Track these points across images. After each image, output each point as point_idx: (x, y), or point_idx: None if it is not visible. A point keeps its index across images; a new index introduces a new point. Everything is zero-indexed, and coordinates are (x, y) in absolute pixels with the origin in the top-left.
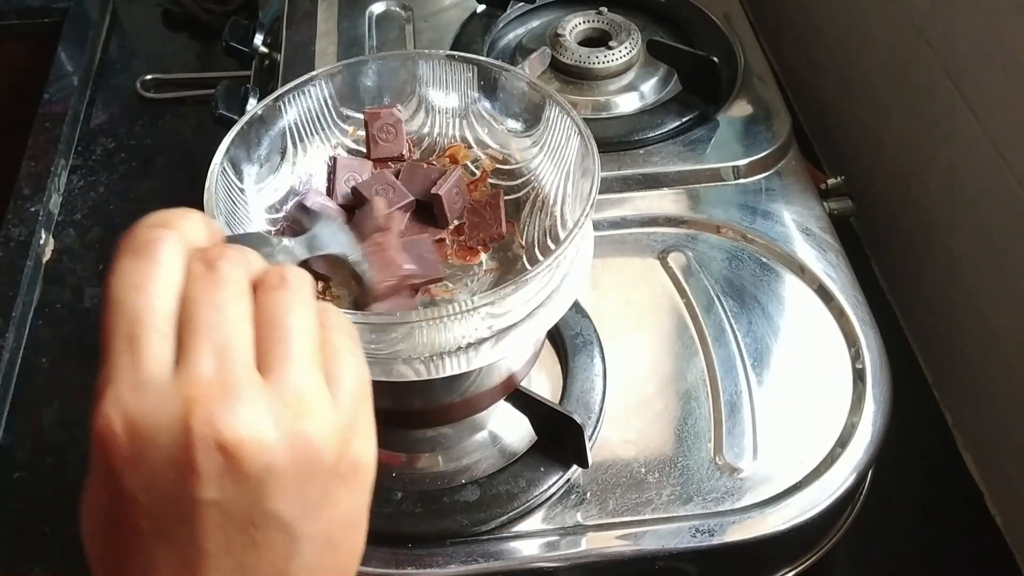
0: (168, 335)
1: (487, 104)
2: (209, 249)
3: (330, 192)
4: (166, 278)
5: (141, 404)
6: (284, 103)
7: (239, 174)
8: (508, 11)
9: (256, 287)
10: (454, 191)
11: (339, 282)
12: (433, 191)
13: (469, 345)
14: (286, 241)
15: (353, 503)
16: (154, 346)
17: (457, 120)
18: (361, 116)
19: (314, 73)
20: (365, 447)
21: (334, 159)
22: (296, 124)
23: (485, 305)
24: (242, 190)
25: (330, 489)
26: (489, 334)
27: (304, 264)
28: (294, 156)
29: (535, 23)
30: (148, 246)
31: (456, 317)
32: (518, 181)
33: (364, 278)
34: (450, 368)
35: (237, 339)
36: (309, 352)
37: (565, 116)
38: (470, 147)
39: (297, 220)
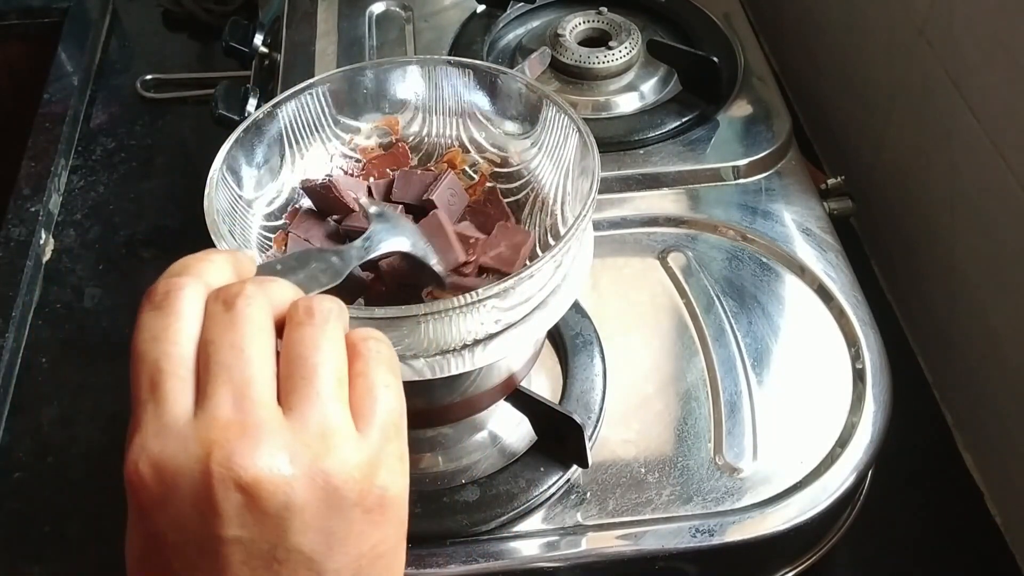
0: (187, 380)
1: (484, 107)
2: (227, 287)
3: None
4: (182, 325)
5: (164, 448)
6: (282, 110)
7: (238, 181)
8: (508, 11)
9: (283, 323)
10: (448, 193)
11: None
12: (426, 196)
13: (473, 343)
14: (337, 253)
15: (382, 536)
16: (174, 392)
17: (454, 124)
18: (360, 123)
19: (311, 80)
20: (393, 480)
21: (328, 177)
22: (294, 131)
23: (492, 297)
24: (241, 197)
25: (355, 524)
26: (497, 328)
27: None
28: (293, 162)
29: (535, 23)
30: (165, 298)
31: (463, 311)
32: (517, 183)
33: (431, 267)
34: (453, 367)
35: (256, 378)
36: (331, 389)
37: (563, 115)
38: (467, 151)
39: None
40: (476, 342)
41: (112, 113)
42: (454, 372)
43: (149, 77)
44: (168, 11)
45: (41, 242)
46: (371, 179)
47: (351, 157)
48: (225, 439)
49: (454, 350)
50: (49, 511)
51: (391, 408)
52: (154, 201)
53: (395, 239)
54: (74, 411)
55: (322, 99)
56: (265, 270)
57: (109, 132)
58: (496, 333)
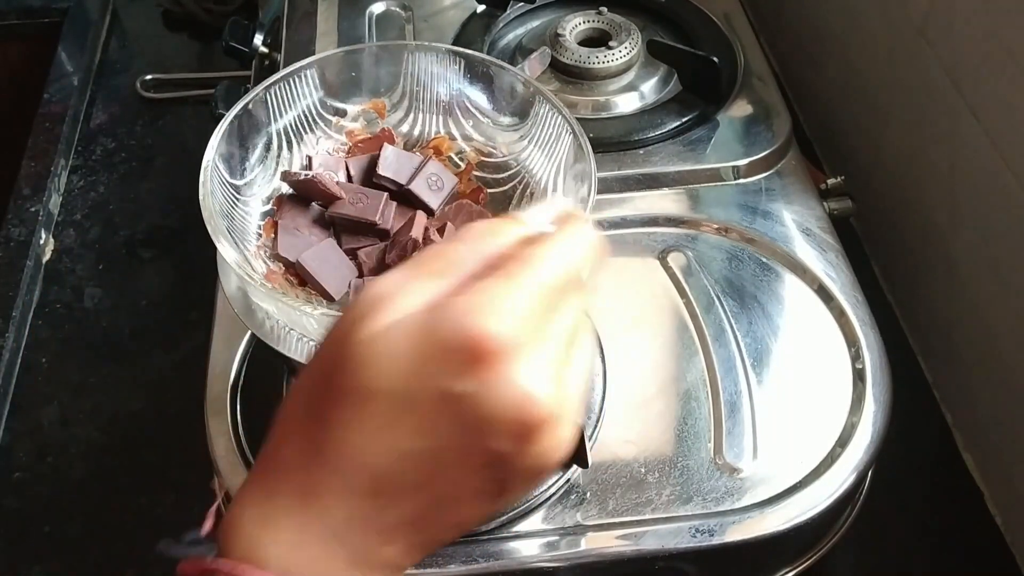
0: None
1: (473, 97)
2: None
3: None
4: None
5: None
6: (271, 95)
7: (231, 169)
8: (508, 11)
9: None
10: (426, 184)
11: None
12: (405, 187)
13: None
14: None
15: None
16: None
17: (442, 112)
18: (347, 106)
19: (300, 64)
20: (562, 438)
21: (309, 158)
22: (284, 117)
23: None
24: (234, 184)
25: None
26: None
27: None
28: (283, 148)
29: (535, 23)
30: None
31: None
32: (505, 174)
33: None
34: None
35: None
36: (564, 345)
37: (556, 114)
38: (454, 139)
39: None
40: None
41: (112, 113)
42: None
43: (149, 77)
44: (168, 11)
45: (41, 242)
46: (348, 159)
47: (336, 139)
48: (522, 349)
49: None
50: (49, 511)
51: (584, 379)
52: (154, 201)
53: None
54: (74, 411)
55: (311, 83)
56: None
57: (109, 132)
58: None
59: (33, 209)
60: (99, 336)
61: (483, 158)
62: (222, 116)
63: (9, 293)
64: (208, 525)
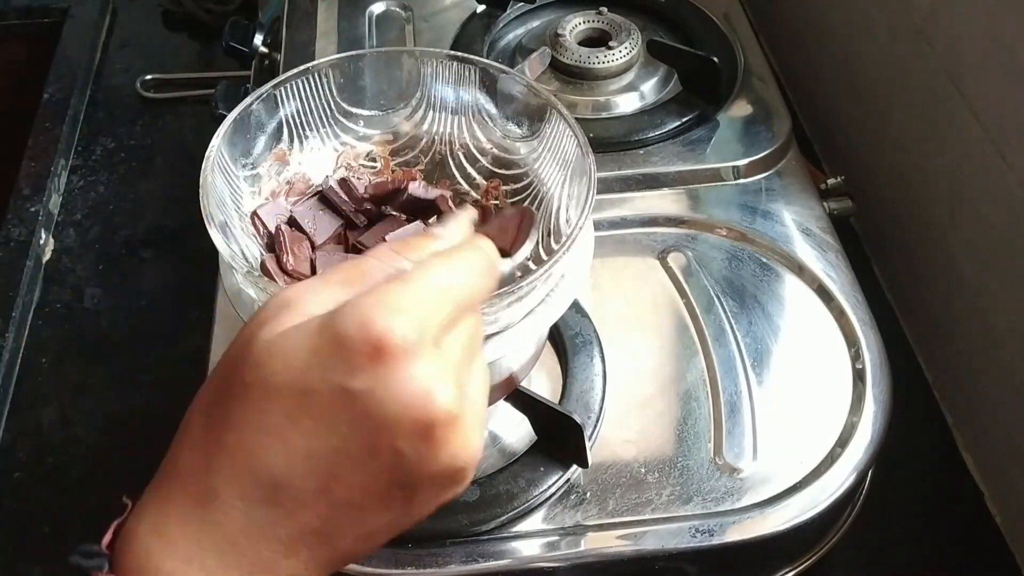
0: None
1: (489, 107)
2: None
3: (281, 260)
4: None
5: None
6: (282, 92)
7: (235, 160)
8: (508, 11)
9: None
10: (311, 214)
11: None
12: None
13: None
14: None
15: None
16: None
17: (459, 120)
18: (364, 111)
19: (315, 63)
20: (468, 443)
21: (277, 228)
22: (295, 115)
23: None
24: (238, 176)
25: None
26: (492, 330)
27: None
28: (291, 145)
29: (535, 23)
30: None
31: None
32: (520, 184)
33: None
34: None
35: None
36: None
37: (567, 128)
38: (476, 142)
39: None
40: None
41: (112, 113)
42: None
43: (149, 77)
44: (168, 11)
45: (41, 242)
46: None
47: (360, 165)
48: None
49: None
50: (49, 511)
51: (485, 388)
52: (154, 201)
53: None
54: (74, 411)
55: (324, 83)
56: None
57: (109, 132)
58: (492, 334)
59: (33, 209)
60: (99, 336)
61: (500, 170)
62: (222, 116)
63: (9, 293)
64: (108, 537)
